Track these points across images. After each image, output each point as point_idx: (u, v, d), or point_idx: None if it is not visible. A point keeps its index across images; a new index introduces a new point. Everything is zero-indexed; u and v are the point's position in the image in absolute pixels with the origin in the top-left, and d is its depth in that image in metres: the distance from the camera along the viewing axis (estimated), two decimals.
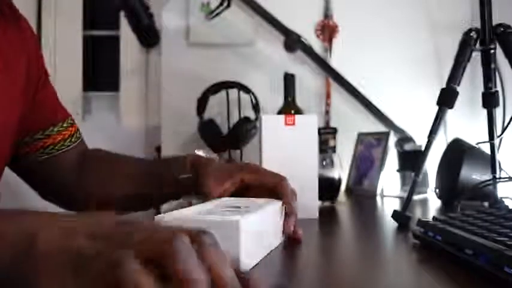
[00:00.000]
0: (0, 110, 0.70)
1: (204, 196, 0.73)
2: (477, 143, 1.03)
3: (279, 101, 1.39)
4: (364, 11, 1.66)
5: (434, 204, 1.17)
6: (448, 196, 1.11)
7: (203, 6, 1.61)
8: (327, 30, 1.67)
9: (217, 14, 1.49)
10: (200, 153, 0.81)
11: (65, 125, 0.86)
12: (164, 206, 0.93)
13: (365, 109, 1.59)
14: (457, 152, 1.10)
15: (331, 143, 1.51)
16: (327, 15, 1.68)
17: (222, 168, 0.77)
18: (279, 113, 1.37)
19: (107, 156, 0.91)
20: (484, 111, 0.89)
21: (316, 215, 0.91)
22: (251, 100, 1.49)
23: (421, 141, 1.44)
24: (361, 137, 1.50)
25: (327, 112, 1.66)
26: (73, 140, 0.87)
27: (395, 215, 0.84)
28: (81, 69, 1.81)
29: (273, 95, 1.51)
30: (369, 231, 0.87)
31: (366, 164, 1.42)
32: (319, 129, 1.47)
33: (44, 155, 0.83)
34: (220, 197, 0.73)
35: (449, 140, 1.22)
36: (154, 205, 0.97)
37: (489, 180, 0.91)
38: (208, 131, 1.48)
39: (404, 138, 1.50)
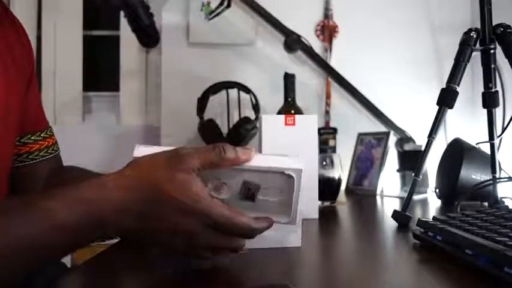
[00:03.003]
0: (2, 109, 0.70)
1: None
2: (477, 143, 1.03)
3: (279, 101, 1.39)
4: (364, 11, 1.66)
5: (434, 204, 1.17)
6: (448, 196, 1.11)
7: (203, 6, 1.61)
8: (327, 30, 1.67)
9: (217, 14, 1.49)
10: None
11: (43, 134, 0.83)
12: None
13: (365, 109, 1.59)
14: (457, 152, 1.10)
15: (331, 143, 1.52)
16: (327, 15, 1.68)
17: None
18: (279, 113, 1.37)
19: (75, 174, 0.84)
20: (484, 111, 0.89)
21: (316, 215, 0.91)
22: (251, 100, 1.49)
23: (421, 141, 1.44)
24: (361, 137, 1.50)
25: (327, 112, 1.66)
26: (49, 151, 0.83)
27: (395, 215, 0.84)
28: (81, 69, 1.80)
29: (273, 95, 1.51)
30: (369, 231, 0.87)
31: (366, 164, 1.42)
32: (319, 129, 1.47)
33: (16, 163, 0.79)
34: None
35: (449, 140, 1.22)
36: None
37: (489, 180, 0.91)
38: (208, 131, 1.48)
39: (404, 138, 1.50)
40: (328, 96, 1.67)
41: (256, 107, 1.48)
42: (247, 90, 1.49)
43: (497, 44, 0.86)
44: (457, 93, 0.87)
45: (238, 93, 1.50)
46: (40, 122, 0.84)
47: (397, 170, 1.42)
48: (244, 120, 1.46)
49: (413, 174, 0.86)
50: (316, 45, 1.64)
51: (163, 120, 1.67)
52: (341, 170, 1.13)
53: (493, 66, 0.86)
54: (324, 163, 1.10)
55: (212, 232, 0.51)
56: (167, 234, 0.51)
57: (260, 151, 0.91)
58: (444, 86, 0.88)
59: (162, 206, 0.49)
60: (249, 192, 0.55)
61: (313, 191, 0.91)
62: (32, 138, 0.81)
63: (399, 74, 1.66)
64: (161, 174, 0.50)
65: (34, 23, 1.77)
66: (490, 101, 0.88)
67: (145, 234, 0.52)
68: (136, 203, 0.50)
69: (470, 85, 1.33)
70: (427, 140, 0.87)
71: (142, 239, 0.53)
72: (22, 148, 0.80)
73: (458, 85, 0.87)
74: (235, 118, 1.50)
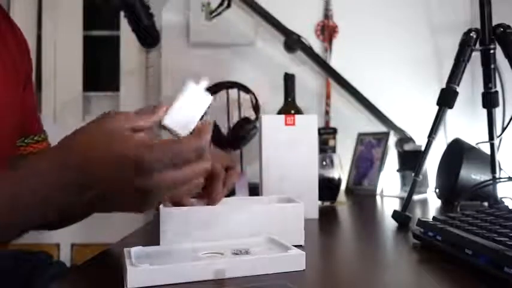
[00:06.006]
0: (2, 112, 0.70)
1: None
2: (477, 143, 1.03)
3: (279, 101, 1.39)
4: (364, 11, 1.66)
5: (434, 204, 1.17)
6: (448, 196, 1.11)
7: (203, 6, 1.61)
8: (327, 30, 1.67)
9: (217, 14, 1.49)
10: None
11: (36, 138, 0.82)
12: None
13: (365, 109, 1.59)
14: (457, 152, 1.10)
15: (331, 143, 1.51)
16: (327, 15, 1.68)
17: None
18: (279, 113, 1.37)
19: None
20: (484, 111, 0.89)
21: (316, 215, 0.91)
22: (251, 100, 1.49)
23: (421, 141, 1.44)
24: (361, 137, 1.50)
25: (327, 112, 1.66)
26: None
27: (395, 215, 0.84)
28: (81, 69, 1.80)
29: (273, 95, 1.51)
30: (369, 231, 0.87)
31: (366, 164, 1.42)
32: (319, 129, 1.47)
33: None
34: None
35: (449, 140, 1.22)
36: None
37: (489, 180, 0.91)
38: None
39: (404, 138, 1.50)
40: (328, 96, 1.67)
41: (256, 107, 1.48)
42: (247, 90, 1.49)
43: (497, 44, 0.86)
44: (457, 93, 0.87)
45: (238, 93, 1.50)
46: (34, 125, 0.84)
47: (397, 170, 1.42)
48: (244, 121, 1.46)
49: (413, 174, 0.86)
50: (316, 45, 1.64)
51: None
52: (341, 170, 1.13)
53: (492, 66, 0.86)
54: (324, 163, 1.10)
55: (160, 175, 0.46)
56: (119, 193, 0.49)
57: (260, 151, 0.91)
58: (444, 86, 0.88)
59: (97, 163, 0.48)
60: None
61: (313, 191, 0.91)
62: (26, 141, 0.80)
63: (399, 74, 1.66)
64: (84, 137, 0.51)
65: (34, 23, 1.77)
66: (489, 101, 0.88)
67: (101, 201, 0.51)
68: (65, 168, 0.49)
69: (470, 85, 1.33)
70: (427, 140, 0.87)
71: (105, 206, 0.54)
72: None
73: (458, 85, 0.87)
74: (235, 118, 1.50)
